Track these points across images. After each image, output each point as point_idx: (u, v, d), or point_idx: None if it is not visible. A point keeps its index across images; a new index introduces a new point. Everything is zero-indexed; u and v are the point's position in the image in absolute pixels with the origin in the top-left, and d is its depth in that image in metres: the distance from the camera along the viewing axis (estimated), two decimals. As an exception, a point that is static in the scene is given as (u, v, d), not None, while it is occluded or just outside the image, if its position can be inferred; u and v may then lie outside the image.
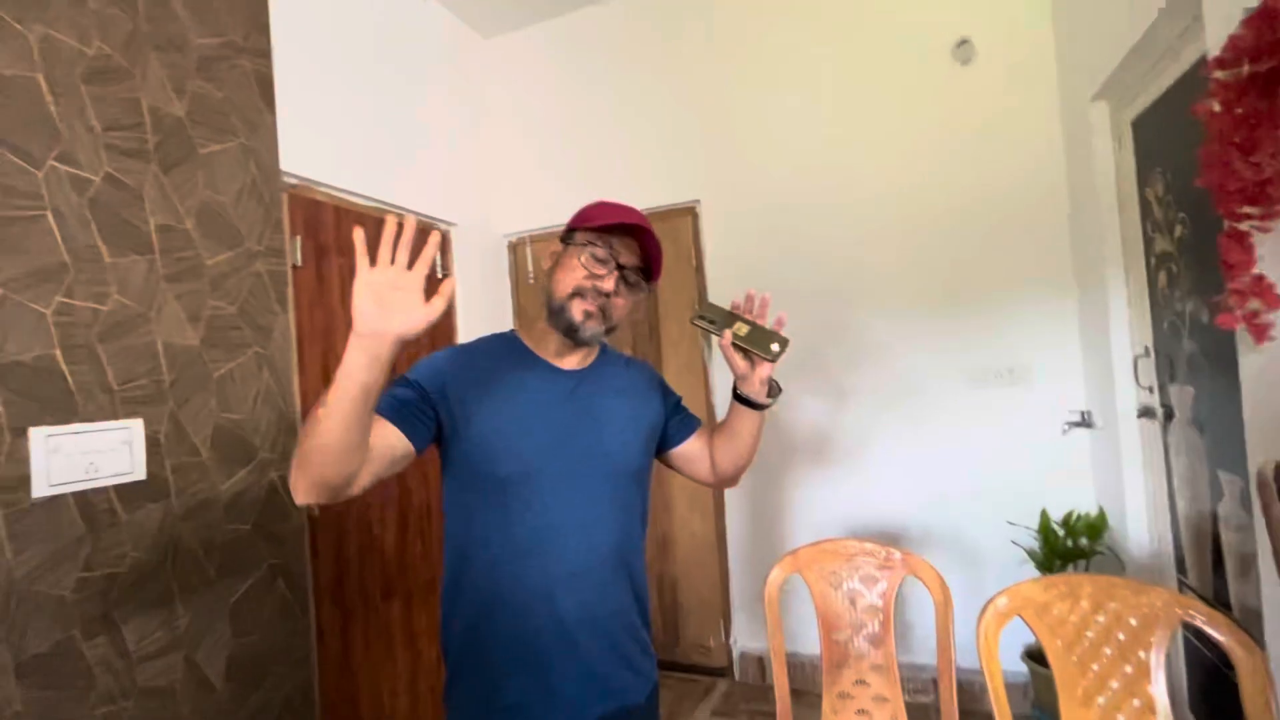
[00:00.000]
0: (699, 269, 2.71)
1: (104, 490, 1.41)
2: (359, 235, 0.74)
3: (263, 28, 1.85)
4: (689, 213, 2.73)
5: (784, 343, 0.99)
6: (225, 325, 1.68)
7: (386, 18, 2.42)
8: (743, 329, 1.00)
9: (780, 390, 1.06)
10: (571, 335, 0.98)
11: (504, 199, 2.99)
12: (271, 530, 1.74)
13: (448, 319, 2.63)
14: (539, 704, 0.93)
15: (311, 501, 0.80)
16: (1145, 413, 1.88)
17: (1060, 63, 2.21)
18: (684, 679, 2.66)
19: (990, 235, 2.31)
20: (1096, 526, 2.03)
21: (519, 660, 0.93)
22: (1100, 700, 1.13)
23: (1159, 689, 1.10)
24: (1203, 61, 1.25)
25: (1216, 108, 1.06)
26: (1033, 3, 2.25)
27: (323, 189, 2.10)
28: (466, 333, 2.66)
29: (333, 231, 2.12)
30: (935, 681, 1.87)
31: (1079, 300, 2.21)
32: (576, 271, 0.97)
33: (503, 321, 2.95)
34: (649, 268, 1.02)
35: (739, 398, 1.05)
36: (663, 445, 1.13)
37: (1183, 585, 1.76)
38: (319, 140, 2.06)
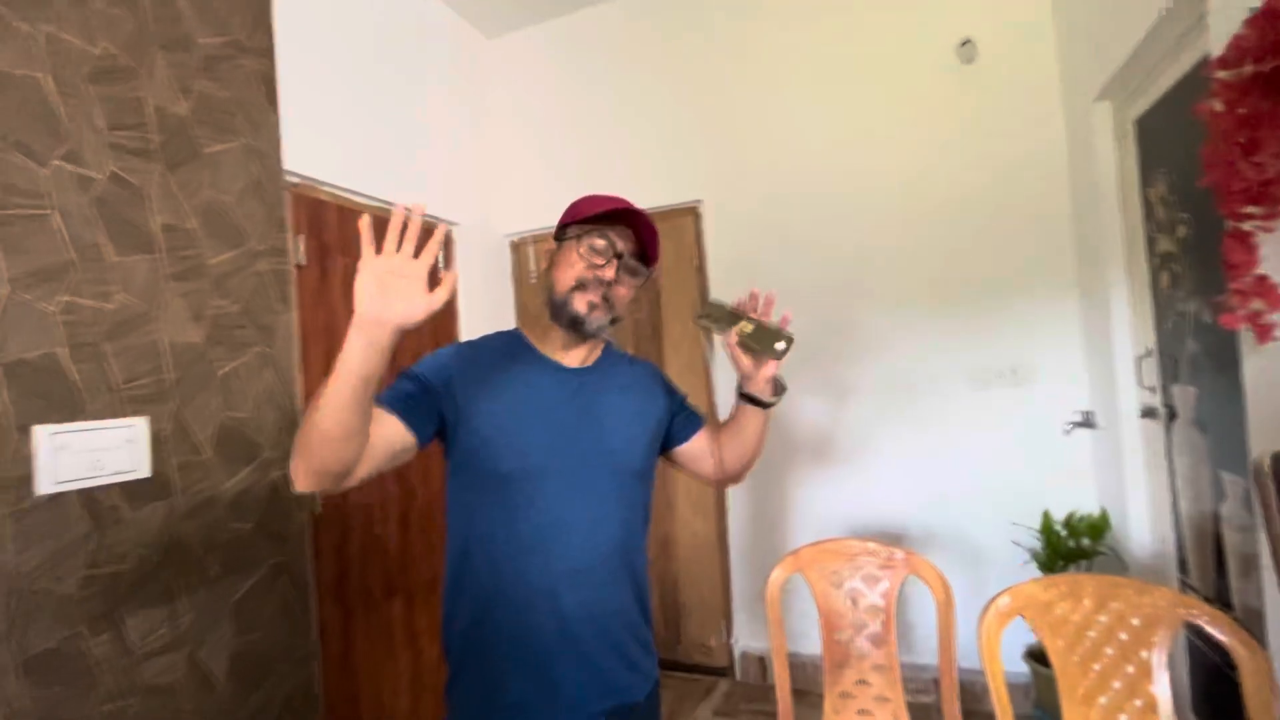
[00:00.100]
0: (701, 269, 2.72)
1: (108, 488, 1.42)
2: (365, 221, 0.74)
3: (266, 27, 1.86)
4: (691, 212, 2.73)
5: (789, 341, 0.98)
6: (229, 324, 1.68)
7: (389, 17, 2.43)
8: (747, 327, 0.99)
9: (785, 388, 1.06)
10: (577, 328, 0.98)
11: (506, 198, 2.99)
12: (274, 529, 1.75)
13: (450, 319, 2.64)
14: (540, 701, 0.93)
15: (311, 489, 0.80)
16: (1148, 413, 1.88)
17: (1063, 62, 2.21)
18: (685, 678, 2.66)
19: (993, 235, 2.31)
20: (1099, 527, 2.02)
21: (520, 658, 0.93)
22: (1102, 700, 1.13)
23: (1161, 689, 1.10)
24: (1206, 61, 1.25)
25: (1219, 108, 1.06)
26: (1035, 2, 2.25)
27: (326, 188, 2.10)
28: (469, 332, 2.66)
29: (336, 231, 2.13)
30: (937, 681, 1.87)
31: (1081, 300, 2.21)
32: (576, 265, 0.97)
33: (505, 321, 2.96)
34: (646, 253, 1.02)
35: (744, 396, 1.05)
36: (668, 443, 1.13)
37: (1185, 585, 1.75)
38: (322, 140, 2.06)
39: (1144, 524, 1.93)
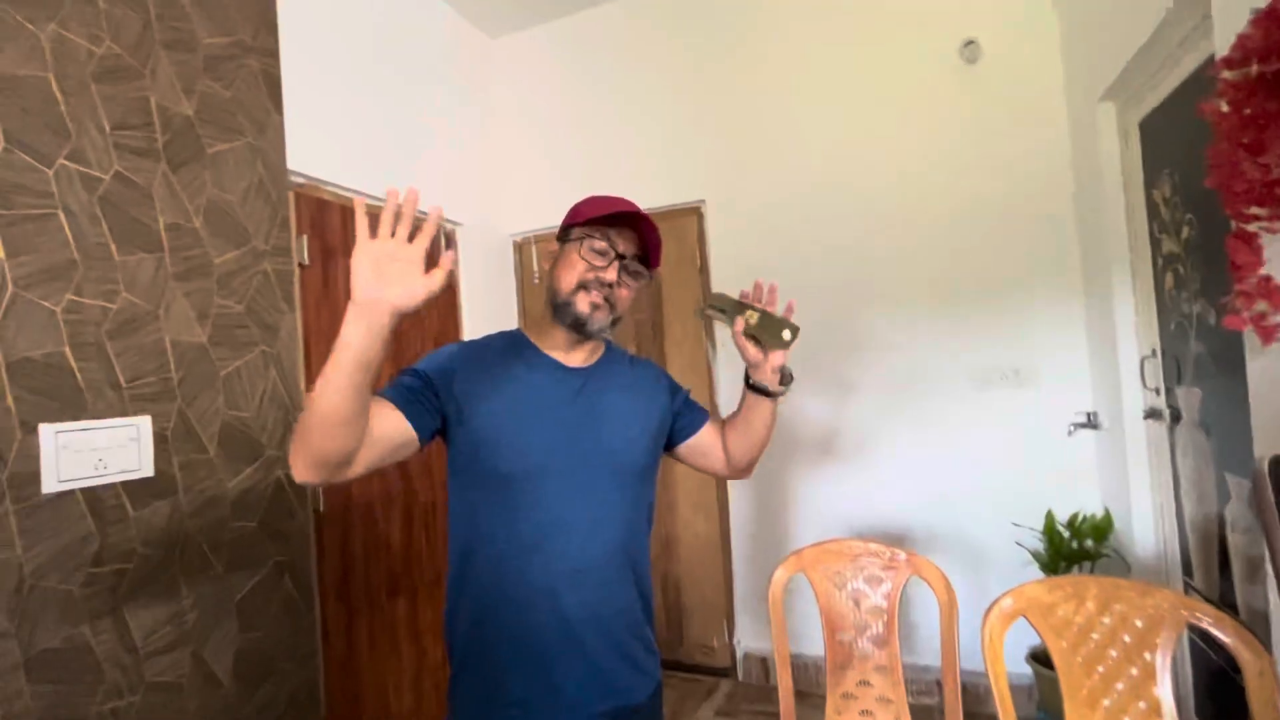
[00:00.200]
0: (704, 268, 2.72)
1: (112, 487, 1.42)
2: (360, 205, 0.74)
3: (271, 27, 1.86)
4: (694, 212, 2.73)
5: (795, 330, 0.99)
6: (232, 323, 1.69)
7: (393, 18, 2.43)
8: (753, 317, 1.00)
9: (793, 377, 1.06)
10: (580, 329, 0.98)
11: (509, 199, 2.99)
12: (278, 527, 1.75)
13: (453, 318, 2.64)
14: (542, 701, 0.93)
15: (310, 479, 0.79)
16: (1152, 414, 1.87)
17: (1067, 63, 2.20)
18: (687, 679, 2.66)
19: (997, 235, 2.30)
20: (1102, 528, 2.02)
21: (522, 658, 0.94)
22: (1106, 702, 1.13)
23: (1165, 691, 1.10)
24: (1210, 62, 1.24)
25: (1224, 108, 1.05)
26: (1039, 3, 2.25)
27: (329, 188, 2.11)
28: (472, 332, 2.67)
29: (339, 231, 2.13)
30: (939, 683, 1.87)
31: (1085, 301, 2.20)
32: (578, 266, 0.97)
33: (508, 321, 2.96)
34: (648, 255, 1.02)
35: (752, 386, 1.05)
36: (673, 440, 1.13)
37: (1189, 587, 1.75)
38: (326, 140, 2.07)
39: (1148, 525, 1.93)
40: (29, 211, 1.32)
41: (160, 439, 1.51)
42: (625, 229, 0.99)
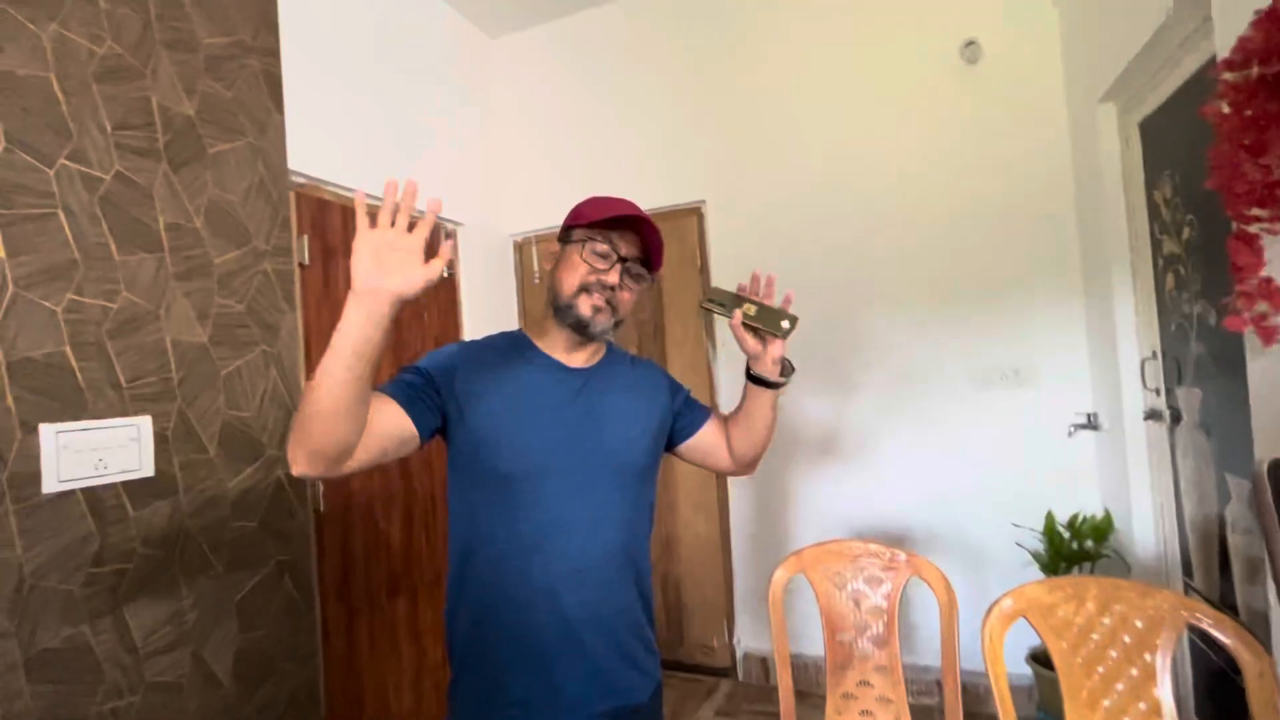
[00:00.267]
0: (704, 269, 2.72)
1: (113, 486, 1.42)
2: (360, 198, 0.75)
3: (271, 27, 1.86)
4: (694, 213, 2.73)
5: (793, 320, 1.00)
6: (233, 323, 1.69)
7: (393, 18, 2.43)
8: (751, 309, 1.00)
9: (794, 369, 1.06)
10: (582, 331, 0.98)
11: (510, 199, 3.00)
12: (278, 527, 1.75)
13: (453, 318, 2.64)
14: (542, 701, 0.93)
15: (308, 472, 0.78)
16: (1152, 415, 1.87)
17: (1067, 64, 2.20)
18: (687, 679, 2.67)
19: (997, 236, 2.30)
20: (1102, 529, 2.02)
21: (522, 658, 0.93)
22: (1106, 703, 1.13)
23: (1165, 692, 1.10)
24: (1211, 63, 1.24)
25: (1225, 109, 1.05)
26: (1039, 3, 2.25)
27: (330, 188, 2.11)
28: (472, 332, 2.67)
29: (339, 231, 2.13)
30: (939, 683, 1.87)
31: (1086, 302, 2.20)
32: (579, 268, 0.97)
33: (508, 321, 2.96)
34: (649, 257, 1.02)
35: (753, 378, 1.05)
36: (675, 439, 1.13)
37: (1189, 588, 1.75)
38: (326, 140, 2.07)
39: (1148, 526, 1.93)
40: (30, 211, 1.32)
41: (161, 439, 1.51)
42: (627, 231, 0.99)
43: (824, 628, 1.44)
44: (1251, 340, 1.17)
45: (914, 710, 1.40)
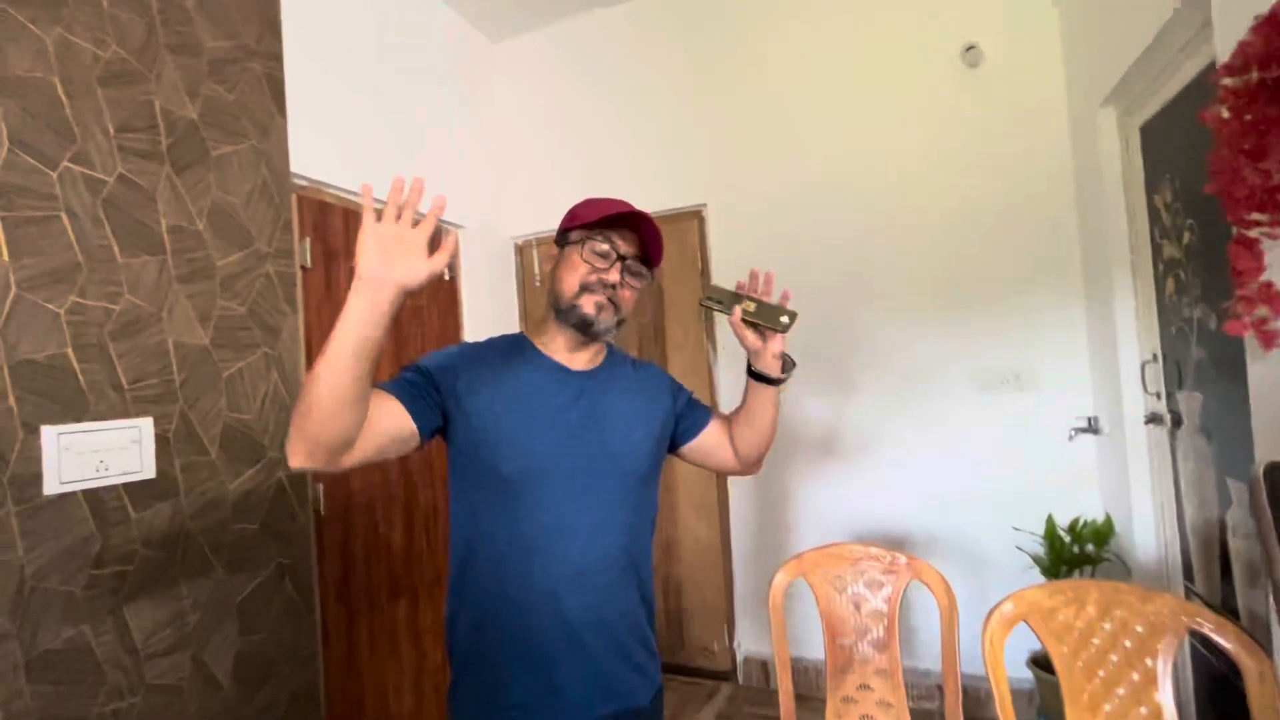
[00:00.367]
0: (705, 272, 2.72)
1: (114, 488, 1.42)
2: (366, 188, 0.76)
3: (274, 31, 1.87)
4: (695, 216, 2.73)
5: (792, 315, 1.01)
6: (235, 325, 1.69)
7: (395, 22, 2.44)
8: (751, 305, 1.02)
9: (794, 364, 1.07)
10: (586, 330, 0.99)
11: (511, 202, 3.00)
12: (279, 529, 1.75)
13: (454, 320, 2.65)
14: (543, 704, 0.93)
15: (306, 465, 0.78)
16: (1153, 419, 1.87)
17: (1068, 68, 2.20)
18: (687, 682, 2.66)
19: (998, 240, 2.30)
20: (1103, 533, 2.02)
21: (523, 660, 0.94)
22: (1107, 708, 1.13)
23: (1166, 697, 1.10)
24: (1212, 67, 1.25)
25: (1225, 114, 1.06)
26: (1040, 8, 2.25)
27: (332, 191, 2.12)
28: (473, 334, 2.67)
29: (341, 234, 2.14)
30: (940, 687, 1.87)
31: (1086, 306, 2.20)
32: (580, 268, 0.98)
33: (509, 324, 2.97)
34: (648, 255, 1.03)
35: (754, 375, 1.06)
36: (678, 441, 1.13)
37: (1190, 592, 1.75)
38: (328, 143, 2.07)
39: (1149, 530, 1.93)
40: (33, 214, 1.33)
41: (162, 441, 1.52)
42: (625, 229, 1.00)
43: (824, 631, 1.44)
44: (1252, 344, 1.17)
45: (914, 714, 1.40)
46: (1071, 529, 2.05)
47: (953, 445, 2.35)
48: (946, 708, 1.33)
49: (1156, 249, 1.83)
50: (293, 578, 1.78)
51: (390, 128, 2.37)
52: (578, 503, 0.96)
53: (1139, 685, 1.12)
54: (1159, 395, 1.84)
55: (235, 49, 1.75)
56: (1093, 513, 2.14)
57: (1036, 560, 2.08)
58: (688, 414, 1.14)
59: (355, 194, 2.18)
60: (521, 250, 3.05)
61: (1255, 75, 1.00)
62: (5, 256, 1.28)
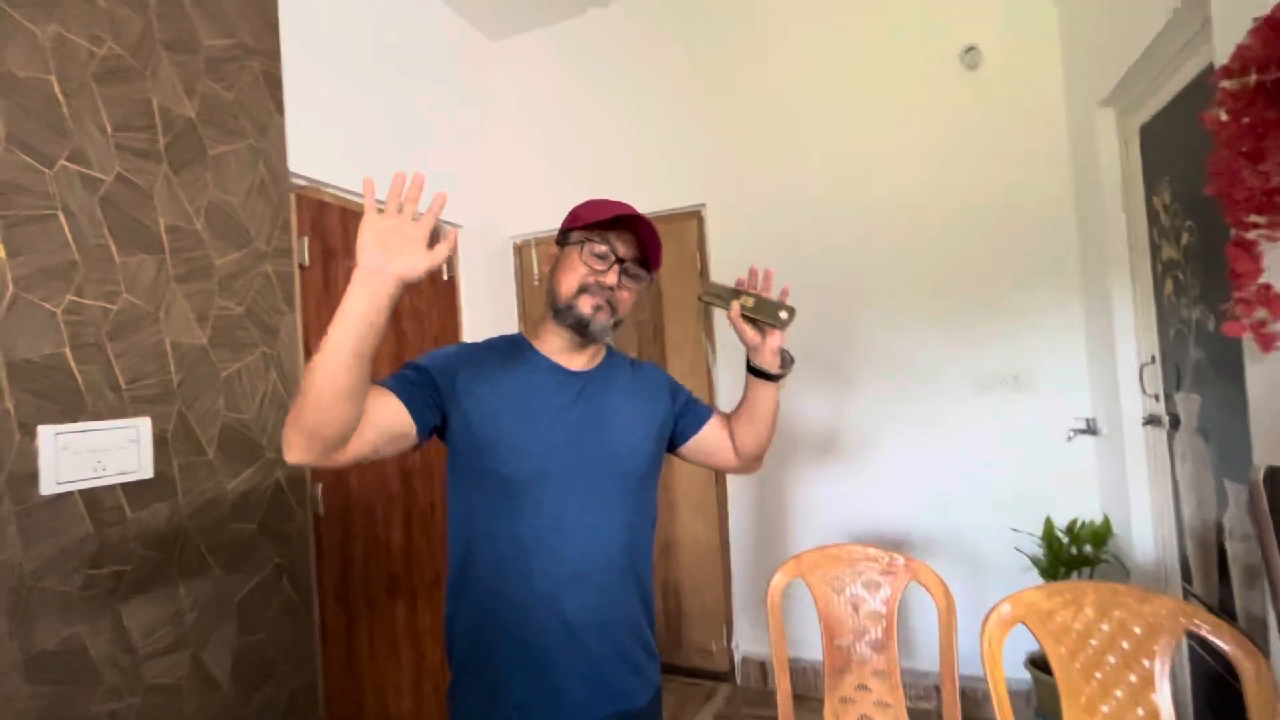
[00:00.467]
0: (704, 271, 2.72)
1: (111, 488, 1.42)
2: (368, 182, 0.77)
3: (272, 29, 1.87)
4: (694, 216, 2.73)
5: (791, 311, 1.01)
6: (233, 325, 1.69)
7: (393, 20, 2.44)
8: (749, 301, 1.02)
9: (793, 360, 1.07)
10: (582, 330, 0.99)
11: (510, 201, 3.00)
12: (277, 529, 1.75)
13: (453, 320, 2.64)
14: (542, 704, 0.93)
15: (302, 458, 0.78)
16: (1151, 420, 1.87)
17: (1067, 69, 2.20)
18: (686, 682, 2.66)
19: (996, 240, 2.30)
20: (1101, 534, 2.02)
21: (523, 661, 0.93)
22: (1104, 709, 1.13)
23: (1163, 698, 1.10)
24: (1210, 69, 1.25)
25: (1224, 117, 1.06)
26: (1040, 9, 2.25)
27: (330, 190, 2.11)
28: (471, 334, 2.67)
29: (339, 233, 2.13)
30: (938, 688, 1.87)
31: (1085, 307, 2.21)
32: (579, 269, 0.98)
33: (508, 323, 2.96)
34: (647, 257, 1.03)
35: (754, 371, 1.06)
36: (678, 440, 1.13)
37: (1188, 594, 1.75)
38: (327, 141, 2.07)
39: (1147, 532, 1.93)
40: (30, 212, 1.32)
41: (160, 440, 1.51)
42: (624, 232, 1.00)
43: (822, 632, 1.44)
44: (1250, 346, 1.17)
45: (912, 715, 1.40)
46: (1070, 530, 2.05)
47: (951, 446, 2.35)
48: (944, 708, 1.34)
49: (1155, 250, 1.83)
50: (291, 578, 1.78)
51: (388, 127, 2.36)
52: (577, 503, 0.96)
53: (1136, 686, 1.12)
54: (1157, 397, 1.85)
55: (233, 47, 1.74)
56: (1091, 514, 2.14)
57: (1035, 561, 2.08)
58: (687, 413, 1.14)
59: (353, 193, 2.18)
60: (520, 250, 3.04)
61: (1254, 78, 1.00)
62: (2, 255, 1.28)
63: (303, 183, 2.00)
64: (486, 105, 2.97)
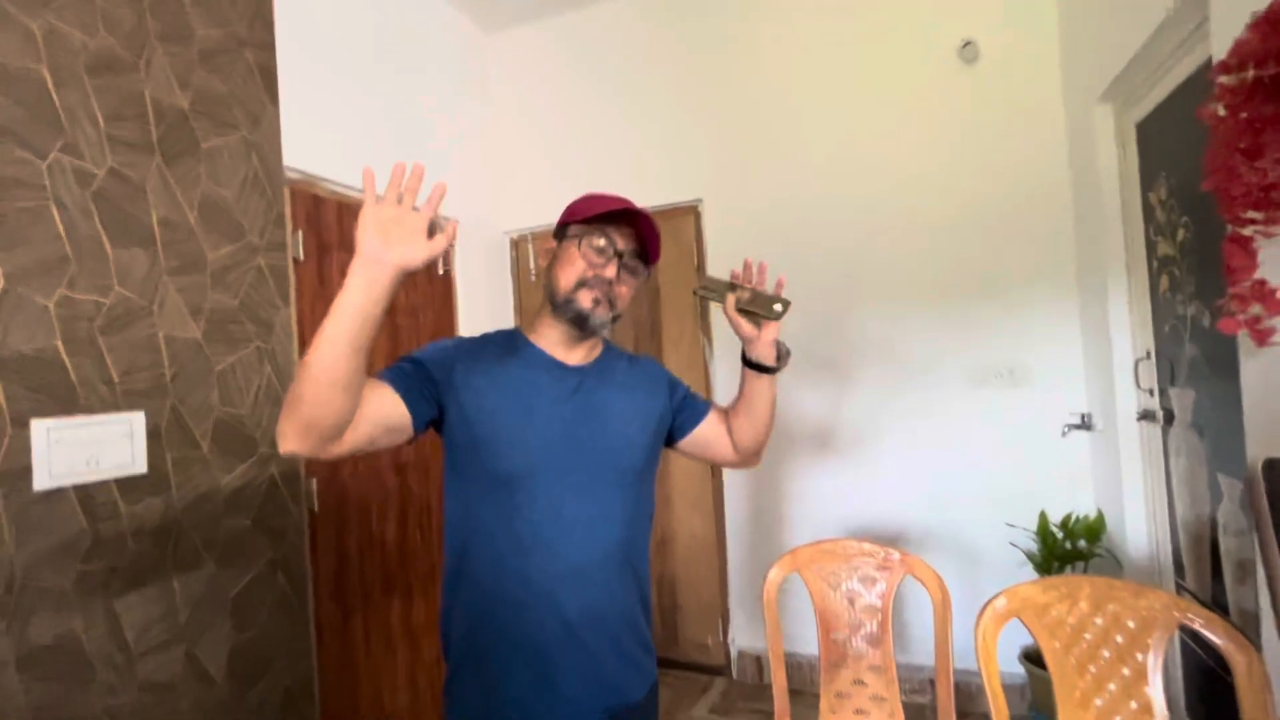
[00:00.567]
0: (700, 267, 2.71)
1: (105, 483, 1.41)
2: (368, 172, 0.77)
3: (266, 20, 1.85)
4: (692, 211, 2.72)
5: (786, 303, 1.01)
6: (227, 319, 1.68)
7: (389, 12, 2.42)
8: (744, 294, 1.03)
9: (789, 353, 1.07)
10: (582, 325, 0.98)
11: (507, 195, 2.99)
12: (272, 525, 1.74)
13: (449, 315, 2.63)
14: (539, 699, 0.93)
15: (297, 449, 0.77)
16: (1145, 415, 1.88)
17: (1065, 64, 2.20)
18: (682, 677, 2.67)
19: (993, 236, 2.31)
20: (1095, 529, 2.03)
21: (520, 656, 0.93)
22: (1098, 702, 1.14)
23: (1156, 691, 1.11)
24: (1208, 65, 1.25)
25: (1221, 112, 1.06)
26: (1038, 4, 2.25)
27: (325, 184, 2.10)
28: (468, 329, 2.66)
29: (334, 226, 2.12)
30: (933, 682, 1.88)
31: (1081, 302, 2.21)
32: (577, 264, 0.98)
33: (505, 318, 2.95)
34: (646, 251, 1.03)
35: (750, 364, 1.06)
36: (676, 435, 1.13)
37: (1181, 588, 1.76)
38: (322, 134, 2.05)
39: (1140, 526, 1.94)
40: (21, 205, 1.31)
41: (153, 435, 1.50)
42: (623, 226, 0.99)
43: (818, 626, 1.44)
44: (1245, 342, 1.17)
45: (907, 708, 1.40)
46: (1064, 525, 2.06)
47: (947, 441, 2.36)
48: (939, 702, 1.34)
49: (1151, 246, 1.83)
50: (286, 573, 1.78)
51: (384, 120, 2.35)
52: (574, 498, 0.95)
53: (1130, 680, 1.13)
54: (1152, 392, 1.86)
55: (226, 38, 1.73)
56: (1085, 508, 2.15)
57: (1029, 556, 2.09)
58: (685, 407, 1.14)
59: (349, 187, 2.17)
60: (517, 244, 3.03)
61: (1251, 73, 1.00)
62: (-7, 248, 1.27)
63: (297, 176, 1.99)
64: (482, 99, 2.95)
